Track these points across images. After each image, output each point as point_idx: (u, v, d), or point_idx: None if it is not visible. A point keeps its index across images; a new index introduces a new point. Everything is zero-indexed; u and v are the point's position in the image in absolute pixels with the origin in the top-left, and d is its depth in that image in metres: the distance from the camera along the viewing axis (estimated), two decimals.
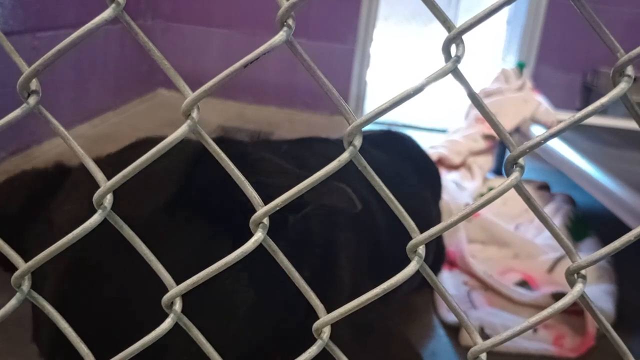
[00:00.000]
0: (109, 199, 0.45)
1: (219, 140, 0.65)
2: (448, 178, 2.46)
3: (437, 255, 1.66)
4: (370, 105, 3.67)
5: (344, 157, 0.43)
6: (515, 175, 0.43)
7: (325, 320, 0.45)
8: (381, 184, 0.45)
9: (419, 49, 6.62)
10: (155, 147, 0.44)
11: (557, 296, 1.63)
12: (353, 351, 0.55)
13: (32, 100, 0.44)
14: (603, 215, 2.06)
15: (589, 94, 3.42)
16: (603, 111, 3.26)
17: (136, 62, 2.60)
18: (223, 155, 0.44)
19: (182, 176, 0.73)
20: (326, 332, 0.47)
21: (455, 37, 0.42)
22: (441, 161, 2.62)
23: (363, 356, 1.03)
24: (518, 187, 0.43)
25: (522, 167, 0.43)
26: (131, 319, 0.65)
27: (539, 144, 0.42)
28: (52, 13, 2.38)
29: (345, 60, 3.51)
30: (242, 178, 0.44)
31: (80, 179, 0.76)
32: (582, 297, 0.45)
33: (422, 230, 0.45)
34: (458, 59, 0.42)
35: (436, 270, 1.67)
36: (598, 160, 2.04)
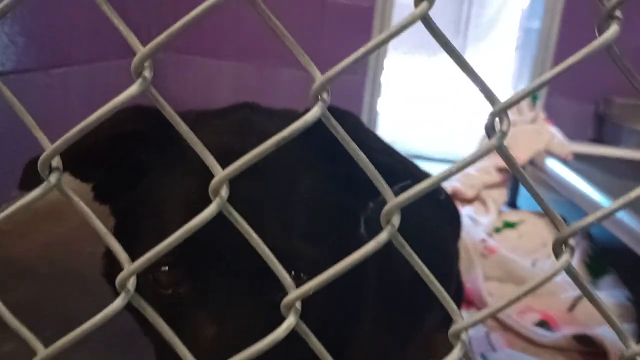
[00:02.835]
0: (132, 282, 0.43)
1: None
2: (462, 212, 2.42)
3: (456, 294, 1.61)
4: (382, 134, 3.64)
5: (382, 237, 0.41)
6: (565, 257, 0.40)
7: None
8: (421, 263, 0.42)
9: (426, 78, 6.67)
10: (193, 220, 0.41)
11: (579, 338, 1.59)
12: None
13: (53, 178, 0.42)
14: (621, 251, 2.01)
15: (601, 123, 3.39)
16: (617, 142, 3.19)
17: (148, 101, 2.61)
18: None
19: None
20: None
21: (499, 112, 0.39)
22: (454, 195, 2.58)
23: None
24: (567, 269, 0.41)
25: (572, 248, 0.40)
26: None
27: (590, 224, 0.40)
28: (64, 50, 2.39)
29: (356, 90, 3.49)
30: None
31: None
32: None
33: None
34: (503, 134, 0.39)
35: None
36: (615, 194, 2.01)
